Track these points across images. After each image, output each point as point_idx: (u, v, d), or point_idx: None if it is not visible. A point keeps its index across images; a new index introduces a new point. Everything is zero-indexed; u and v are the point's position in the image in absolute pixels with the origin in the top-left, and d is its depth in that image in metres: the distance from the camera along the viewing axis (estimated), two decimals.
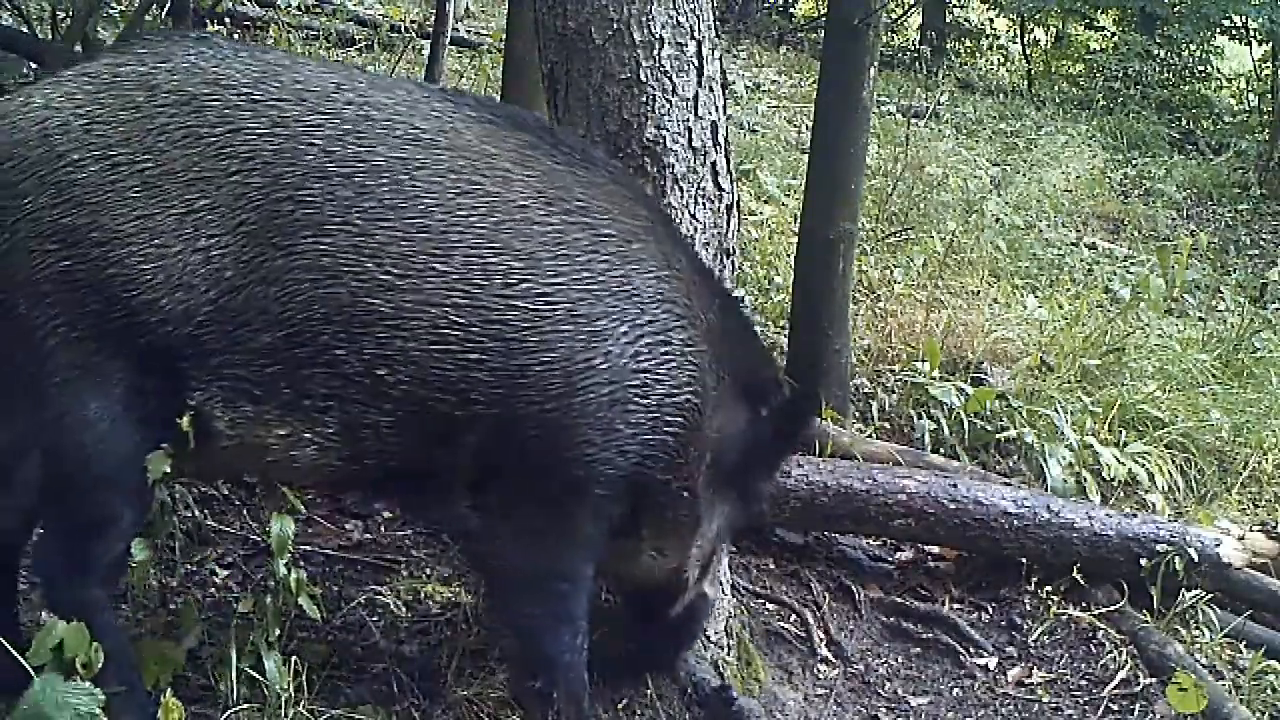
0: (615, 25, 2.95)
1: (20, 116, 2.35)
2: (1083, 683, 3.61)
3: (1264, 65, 12.96)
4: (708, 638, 3.25)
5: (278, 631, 2.68)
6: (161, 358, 2.33)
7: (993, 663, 3.66)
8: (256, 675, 2.61)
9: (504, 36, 6.10)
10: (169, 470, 2.41)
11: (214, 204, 2.31)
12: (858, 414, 4.70)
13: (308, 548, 3.47)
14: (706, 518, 2.80)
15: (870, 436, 4.42)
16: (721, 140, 3.11)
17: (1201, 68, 13.70)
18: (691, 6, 3.01)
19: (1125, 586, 3.88)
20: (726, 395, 2.72)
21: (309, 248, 2.33)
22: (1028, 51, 15.05)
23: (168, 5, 5.55)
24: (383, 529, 3.72)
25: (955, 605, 3.89)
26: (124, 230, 2.28)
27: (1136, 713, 3.46)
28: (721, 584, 3.09)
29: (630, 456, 2.57)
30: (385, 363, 2.38)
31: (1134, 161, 10.76)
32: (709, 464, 2.73)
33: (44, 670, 2.26)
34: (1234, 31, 13.18)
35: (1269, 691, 3.55)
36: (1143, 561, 3.83)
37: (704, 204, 3.12)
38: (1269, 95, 12.57)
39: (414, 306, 2.37)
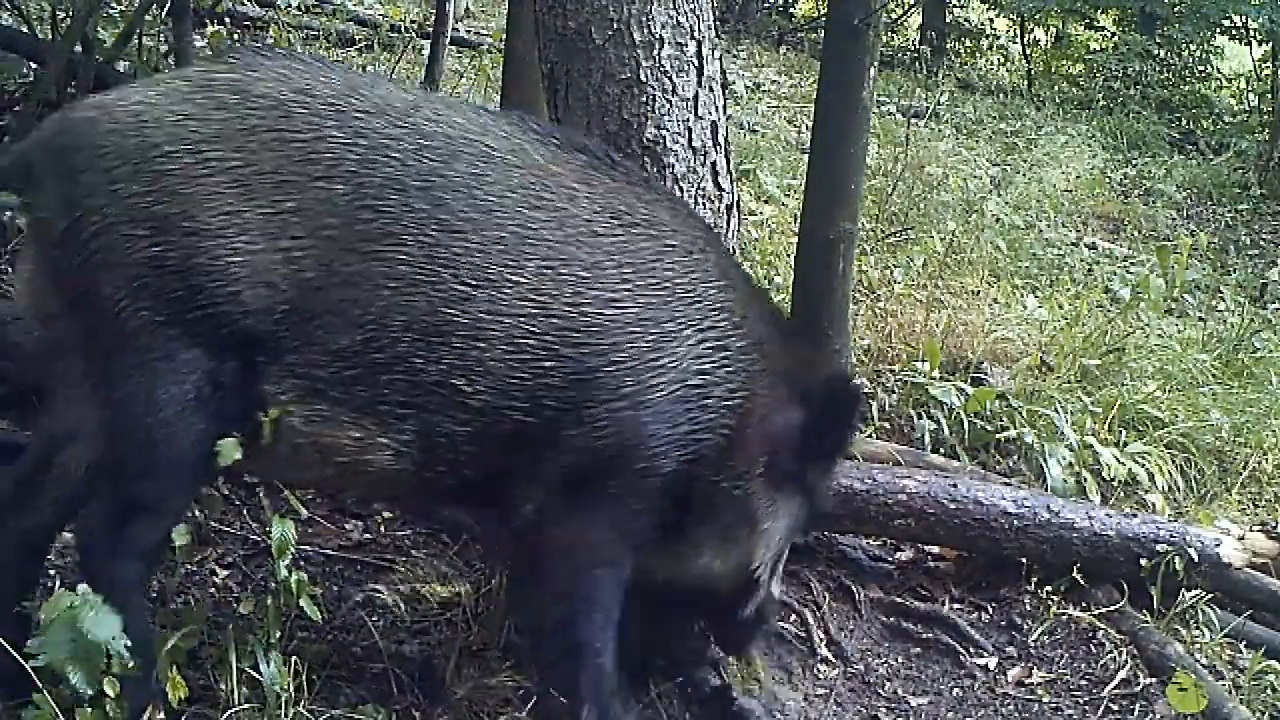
0: (615, 25, 2.96)
1: (116, 109, 2.43)
2: (1083, 683, 3.60)
3: (1264, 65, 12.96)
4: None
5: (278, 633, 2.68)
6: (238, 350, 2.40)
7: (993, 663, 3.66)
8: (256, 676, 2.61)
9: (504, 36, 6.10)
10: (239, 458, 2.46)
11: (299, 207, 2.39)
12: None
13: (308, 548, 3.47)
14: (767, 518, 2.86)
15: (870, 436, 4.42)
16: (721, 140, 3.12)
17: (1201, 68, 13.71)
18: (691, 6, 3.01)
19: (1125, 586, 3.87)
20: (778, 398, 2.82)
21: (388, 256, 2.42)
22: (1028, 51, 15.05)
23: (168, 5, 5.54)
24: (383, 529, 3.72)
25: (955, 605, 3.89)
26: (213, 224, 2.36)
27: (1136, 713, 3.46)
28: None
29: (688, 454, 2.67)
30: (463, 373, 2.48)
31: (1134, 161, 10.77)
32: (765, 465, 2.81)
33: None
34: (1234, 31, 13.18)
35: (1269, 691, 3.55)
36: (1143, 561, 3.83)
37: (704, 204, 3.12)
38: (1269, 95, 12.58)
39: (490, 318, 2.47)
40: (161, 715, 2.44)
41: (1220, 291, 7.45)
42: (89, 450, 2.57)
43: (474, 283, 2.46)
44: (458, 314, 2.45)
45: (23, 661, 2.31)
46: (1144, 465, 4.59)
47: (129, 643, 2.33)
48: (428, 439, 2.52)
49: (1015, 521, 3.84)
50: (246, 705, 2.59)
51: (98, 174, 2.36)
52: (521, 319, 2.49)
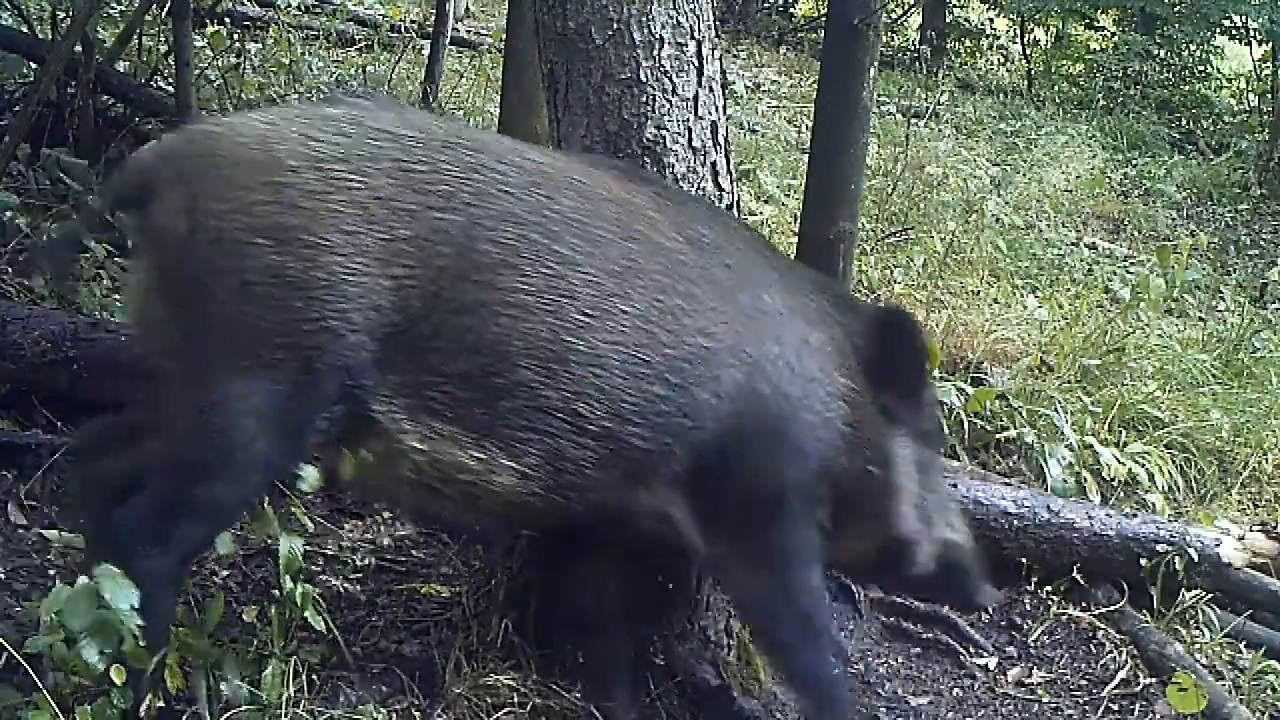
0: (615, 25, 2.95)
1: (241, 125, 2.50)
2: (1083, 683, 3.61)
3: (1264, 65, 12.96)
4: (708, 637, 3.25)
5: (282, 643, 2.68)
6: (337, 369, 2.42)
7: (993, 663, 3.66)
8: (255, 680, 2.61)
9: (504, 36, 6.10)
10: (319, 485, 2.53)
11: (414, 235, 2.43)
12: None
13: (308, 548, 3.46)
14: (899, 475, 2.91)
15: None
16: (721, 140, 3.11)
17: (1201, 68, 13.69)
18: (691, 6, 3.01)
19: (1125, 586, 3.87)
20: (861, 360, 2.89)
21: (507, 285, 2.48)
22: (1028, 51, 15.05)
23: (168, 5, 5.54)
24: (382, 529, 3.72)
25: None
26: (334, 241, 2.38)
27: (1136, 713, 3.46)
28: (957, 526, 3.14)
29: (830, 450, 2.75)
30: (582, 399, 2.54)
31: (1134, 161, 10.76)
32: (880, 425, 2.87)
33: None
34: (1234, 31, 13.17)
35: (1269, 691, 3.55)
36: (1143, 561, 3.83)
37: None
38: (1269, 95, 12.58)
39: (607, 345, 2.55)
40: (161, 704, 2.45)
41: (1220, 291, 7.44)
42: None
43: (592, 312, 2.54)
44: (578, 342, 2.52)
45: (20, 658, 2.32)
46: (1144, 465, 4.59)
47: (143, 624, 2.32)
48: (553, 464, 2.58)
49: (1015, 521, 3.84)
50: (246, 706, 2.59)
51: (223, 183, 2.39)
52: (635, 346, 2.57)
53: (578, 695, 3.01)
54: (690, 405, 2.61)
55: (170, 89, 5.42)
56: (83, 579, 2.33)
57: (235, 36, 7.08)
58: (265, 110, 2.60)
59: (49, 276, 4.12)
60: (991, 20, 15.41)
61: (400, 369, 2.47)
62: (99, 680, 2.34)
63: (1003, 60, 15.39)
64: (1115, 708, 3.49)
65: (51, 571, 3.15)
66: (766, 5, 15.05)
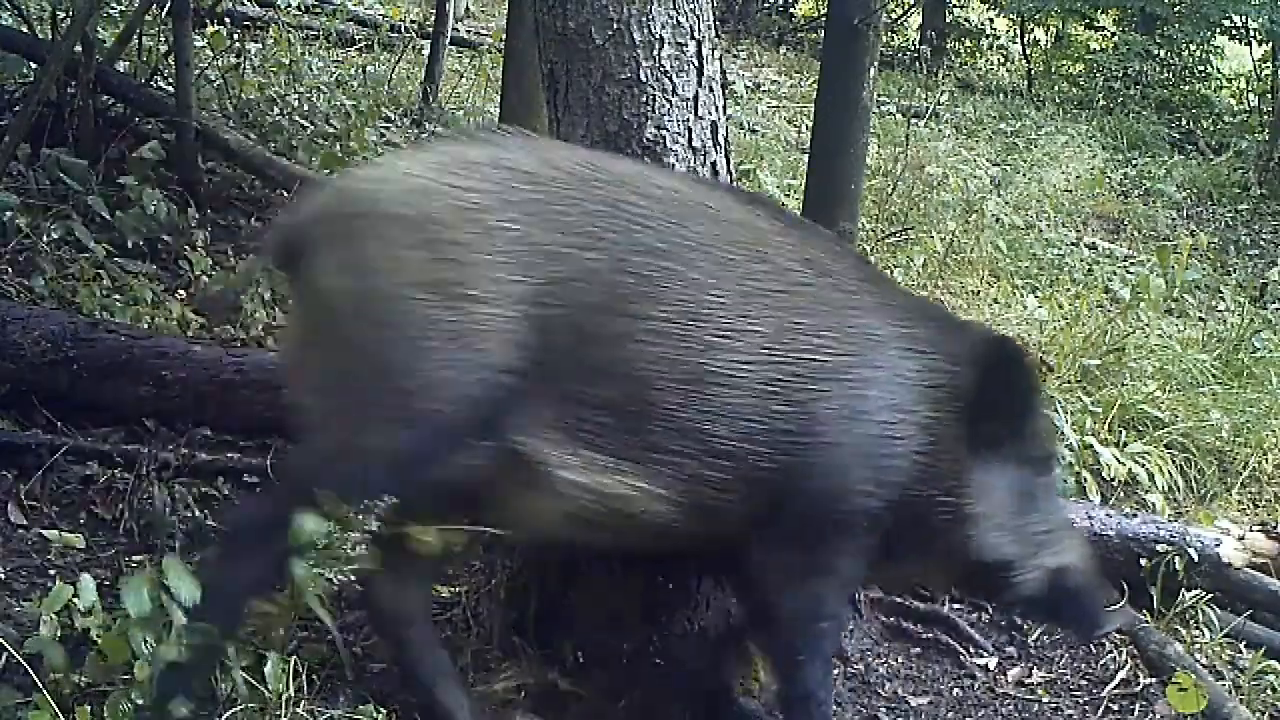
0: (615, 25, 2.96)
1: (389, 177, 2.60)
2: (1083, 683, 3.60)
3: (1264, 65, 12.96)
4: (708, 637, 3.25)
5: (283, 632, 2.67)
6: (482, 412, 2.48)
7: (993, 663, 3.66)
8: (257, 677, 2.60)
9: (504, 36, 6.11)
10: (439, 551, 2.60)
11: (561, 276, 2.50)
12: None
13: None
14: (979, 502, 2.85)
15: None
16: (721, 140, 3.12)
17: (1201, 68, 13.70)
18: (691, 6, 3.01)
19: (1125, 586, 3.87)
20: (958, 387, 2.85)
21: (648, 315, 2.54)
22: (1028, 51, 15.06)
23: (168, 5, 5.55)
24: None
25: (955, 605, 3.88)
26: (486, 290, 2.44)
27: (1136, 713, 3.46)
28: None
29: (907, 479, 2.75)
30: (714, 419, 2.59)
31: (1134, 161, 10.76)
32: (961, 455, 2.83)
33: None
34: (1234, 31, 13.18)
35: (1269, 691, 3.55)
36: (1143, 561, 3.83)
37: None
38: (1269, 95, 12.58)
39: (740, 366, 2.60)
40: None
41: (1220, 291, 7.45)
42: None
43: (725, 335, 2.59)
44: (714, 364, 2.57)
45: (20, 658, 2.32)
46: (1144, 465, 4.59)
47: (204, 623, 2.38)
48: (691, 487, 2.62)
49: None
50: (246, 705, 2.58)
51: (378, 240, 2.46)
52: (764, 366, 2.61)
53: (579, 694, 3.02)
54: (805, 424, 2.64)
55: (170, 89, 5.43)
56: (62, 595, 2.41)
57: (235, 36, 7.09)
58: (406, 155, 2.68)
59: (212, 319, 4.20)
60: (991, 20, 15.42)
61: (546, 403, 2.52)
62: (101, 678, 2.34)
63: (1003, 60, 15.40)
64: (1115, 708, 3.49)
65: (51, 571, 3.15)
66: (766, 5, 15.06)
